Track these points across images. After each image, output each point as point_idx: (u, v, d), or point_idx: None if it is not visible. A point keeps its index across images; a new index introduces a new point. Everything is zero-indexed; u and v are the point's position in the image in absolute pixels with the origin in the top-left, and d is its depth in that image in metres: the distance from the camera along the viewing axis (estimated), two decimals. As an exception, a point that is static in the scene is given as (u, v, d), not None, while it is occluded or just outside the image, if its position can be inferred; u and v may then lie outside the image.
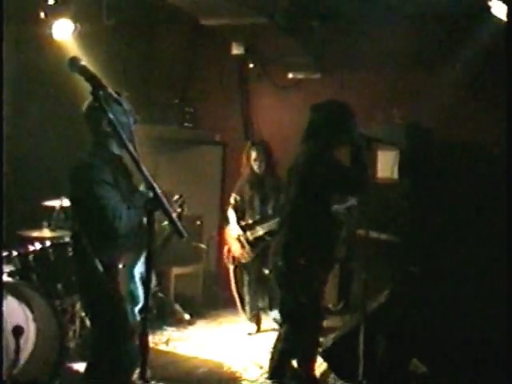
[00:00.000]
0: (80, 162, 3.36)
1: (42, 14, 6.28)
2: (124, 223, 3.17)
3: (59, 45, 6.31)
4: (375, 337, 4.34)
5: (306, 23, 6.39)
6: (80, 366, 4.46)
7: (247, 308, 6.05)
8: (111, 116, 2.57)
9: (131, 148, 2.47)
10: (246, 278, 5.99)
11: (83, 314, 4.76)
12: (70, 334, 4.71)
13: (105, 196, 3.18)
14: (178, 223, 2.42)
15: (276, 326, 5.75)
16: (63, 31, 6.30)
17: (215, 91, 7.43)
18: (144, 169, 2.41)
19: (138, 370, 3.45)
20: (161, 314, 5.92)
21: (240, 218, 5.93)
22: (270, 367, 4.49)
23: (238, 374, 4.84)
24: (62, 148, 5.84)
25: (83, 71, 2.54)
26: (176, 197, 3.76)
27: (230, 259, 5.99)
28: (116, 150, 3.33)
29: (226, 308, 6.29)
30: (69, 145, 5.85)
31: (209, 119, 7.42)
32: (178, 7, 6.11)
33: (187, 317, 6.10)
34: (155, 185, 2.41)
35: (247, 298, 6.04)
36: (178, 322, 5.99)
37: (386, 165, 6.23)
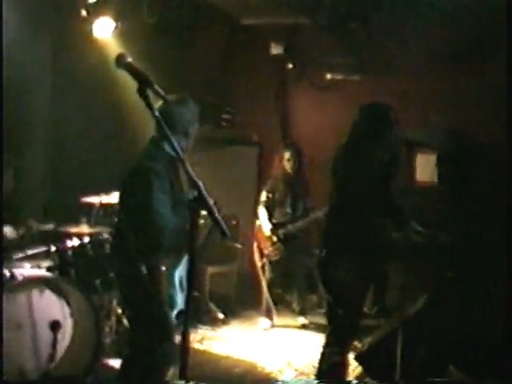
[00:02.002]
0: (140, 166, 3.36)
1: (84, 12, 6.35)
2: (170, 233, 3.19)
3: (100, 43, 6.37)
4: (412, 342, 4.27)
5: (347, 23, 6.34)
6: (115, 363, 4.50)
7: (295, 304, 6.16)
8: (157, 114, 2.55)
9: (177, 146, 2.46)
10: (272, 276, 6.04)
11: (120, 311, 4.79)
12: (106, 329, 4.73)
13: (158, 206, 3.21)
14: (222, 223, 2.39)
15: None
16: (104, 29, 6.35)
17: (253, 91, 7.41)
18: (189, 168, 2.39)
19: (171, 370, 3.52)
20: (195, 313, 5.93)
21: (270, 215, 6.04)
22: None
23: (272, 375, 4.82)
24: (102, 145, 5.90)
25: (130, 68, 2.53)
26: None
27: (259, 256, 6.05)
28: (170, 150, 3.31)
29: (261, 308, 6.25)
30: (108, 142, 5.92)
31: (246, 119, 7.41)
32: (218, 7, 6.13)
33: (221, 316, 6.11)
34: (200, 184, 2.39)
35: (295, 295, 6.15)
36: (213, 321, 5.99)
37: (425, 168, 6.17)
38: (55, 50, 6.22)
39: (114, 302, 4.76)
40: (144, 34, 6.50)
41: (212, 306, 6.14)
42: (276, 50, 6.80)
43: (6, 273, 4.12)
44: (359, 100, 4.48)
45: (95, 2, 6.26)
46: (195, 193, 2.42)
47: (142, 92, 2.51)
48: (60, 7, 5.80)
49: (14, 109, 5.66)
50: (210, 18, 7.18)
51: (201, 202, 2.38)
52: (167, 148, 3.30)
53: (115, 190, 4.77)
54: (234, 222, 6.46)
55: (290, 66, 7.08)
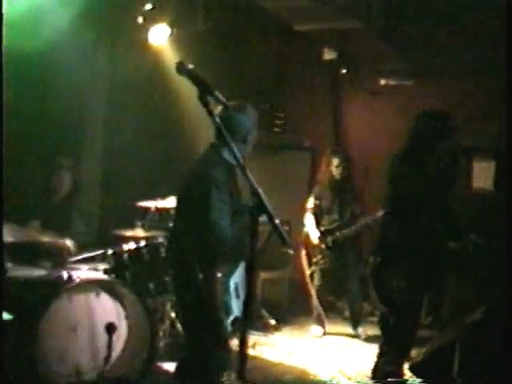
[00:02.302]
0: (199, 173, 3.37)
1: (140, 19, 6.45)
2: (229, 242, 3.21)
3: (155, 49, 6.46)
4: (470, 353, 4.17)
5: (401, 27, 6.27)
6: (169, 366, 4.53)
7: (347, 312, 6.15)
8: (217, 120, 2.56)
9: (237, 152, 2.47)
10: (322, 283, 5.99)
11: (173, 315, 4.82)
12: (160, 333, 4.77)
13: (217, 216, 3.22)
14: (282, 229, 2.38)
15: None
16: (159, 36, 6.44)
17: (306, 97, 7.40)
18: (249, 174, 2.40)
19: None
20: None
21: (318, 222, 5.99)
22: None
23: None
24: (157, 150, 5.97)
25: (191, 75, 2.55)
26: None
27: (307, 264, 6.02)
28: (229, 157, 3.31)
29: (312, 315, 6.21)
30: (164, 147, 5.98)
31: (298, 125, 7.39)
32: (272, 13, 6.14)
33: (273, 322, 6.10)
34: (260, 190, 2.39)
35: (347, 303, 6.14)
36: (264, 327, 5.98)
37: (482, 175, 6.04)
38: (113, 56, 6.32)
39: (168, 306, 4.81)
40: (198, 40, 6.56)
41: (264, 311, 6.13)
42: (329, 55, 6.78)
43: (64, 275, 4.21)
44: (413, 106, 4.43)
45: (151, 9, 6.36)
46: (255, 199, 2.43)
47: (202, 98, 2.52)
48: (118, 14, 5.89)
49: (73, 114, 5.81)
50: (264, 25, 7.20)
51: (261, 208, 2.38)
52: (226, 155, 3.31)
53: (171, 194, 4.84)
54: (287, 228, 6.44)
55: (343, 71, 7.05)
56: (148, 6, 6.34)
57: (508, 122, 3.48)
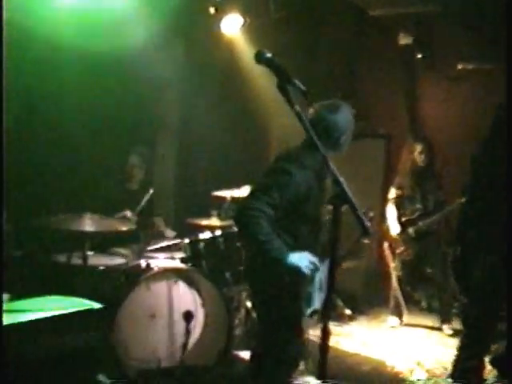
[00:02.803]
0: (293, 176, 3.17)
1: (212, 10, 6.47)
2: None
3: (228, 39, 6.47)
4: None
5: (479, 10, 6.04)
6: (245, 354, 4.56)
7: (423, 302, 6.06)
8: (298, 108, 2.51)
9: (318, 143, 2.42)
10: (401, 273, 5.87)
11: (249, 304, 4.84)
12: (236, 321, 4.80)
13: None
14: (365, 220, 2.34)
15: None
16: (232, 26, 6.44)
17: (380, 83, 7.24)
18: (331, 164, 2.36)
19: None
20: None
21: (400, 213, 5.82)
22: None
23: (402, 375, 4.68)
24: (232, 139, 5.99)
25: (271, 63, 2.52)
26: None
27: (391, 256, 5.88)
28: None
29: (388, 305, 6.11)
30: (239, 136, 6.00)
31: (372, 111, 7.25)
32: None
33: (348, 312, 6.04)
34: (342, 180, 2.35)
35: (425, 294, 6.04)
36: (340, 317, 5.93)
37: None
38: (188, 47, 6.37)
39: (243, 295, 4.82)
40: (271, 29, 6.52)
41: (339, 301, 6.07)
42: (404, 40, 6.61)
43: (142, 263, 4.30)
44: (490, 91, 4.23)
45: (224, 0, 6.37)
46: (336, 189, 2.39)
47: (282, 87, 2.49)
48: (190, 5, 5.93)
49: (149, 105, 5.90)
50: (337, 11, 7.10)
51: (343, 198, 2.34)
52: (313, 158, 3.18)
53: (246, 183, 4.85)
54: (371, 214, 6.28)
55: (419, 56, 6.85)
56: (220, -4, 6.37)
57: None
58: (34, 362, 1.81)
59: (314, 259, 3.10)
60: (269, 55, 2.56)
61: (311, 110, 3.28)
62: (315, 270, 3.11)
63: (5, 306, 1.98)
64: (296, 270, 3.05)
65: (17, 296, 2.10)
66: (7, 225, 4.30)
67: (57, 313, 1.86)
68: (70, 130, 5.04)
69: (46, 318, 1.81)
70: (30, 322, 1.79)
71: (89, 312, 1.98)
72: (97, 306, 2.01)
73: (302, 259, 3.06)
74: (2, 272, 2.34)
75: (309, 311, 3.28)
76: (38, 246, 4.64)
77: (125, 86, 5.52)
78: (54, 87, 4.85)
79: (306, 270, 3.06)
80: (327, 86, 7.45)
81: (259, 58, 2.56)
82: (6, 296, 2.06)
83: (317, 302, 3.30)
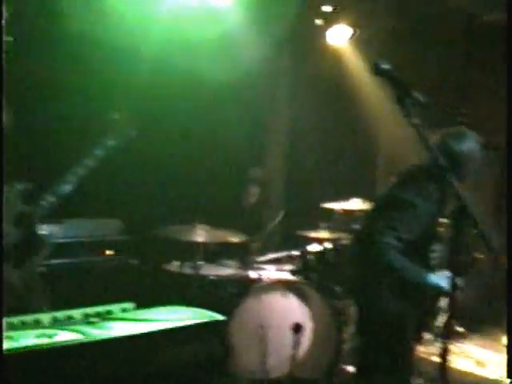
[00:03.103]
0: (418, 208, 3.19)
1: (320, 21, 6.48)
2: None
3: (335, 50, 6.46)
4: None
5: None
6: (353, 369, 4.49)
7: None
8: (416, 122, 2.45)
9: (441, 159, 2.36)
10: None
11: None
12: (345, 335, 4.74)
13: None
14: (488, 237, 2.24)
15: None
16: (340, 37, 6.42)
17: (493, 93, 6.96)
18: (454, 180, 2.29)
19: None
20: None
21: None
22: None
23: (520, 398, 4.45)
24: (341, 150, 5.95)
25: (389, 75, 2.47)
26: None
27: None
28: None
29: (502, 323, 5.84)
30: (346, 147, 5.95)
31: (486, 123, 6.97)
32: (459, 6, 5.87)
33: (461, 329, 5.81)
34: (464, 196, 2.27)
35: None
36: (451, 335, 5.71)
37: None
38: (294, 59, 6.41)
39: (353, 309, 4.75)
40: (378, 39, 6.44)
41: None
42: (520, 46, 6.32)
43: (253, 274, 4.34)
44: None
45: (332, 11, 6.36)
46: (458, 204, 2.31)
47: (401, 101, 2.44)
48: (298, 17, 5.96)
49: (257, 118, 5.98)
50: (447, 18, 6.89)
51: (465, 214, 2.27)
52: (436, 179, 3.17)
53: (354, 196, 4.81)
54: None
55: (536, 62, 6.52)
56: (328, 8, 6.36)
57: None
58: (157, 372, 1.86)
59: (450, 274, 3.05)
60: (386, 67, 2.51)
61: (435, 137, 3.21)
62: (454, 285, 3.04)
63: (131, 315, 2.05)
64: (438, 289, 3.14)
65: (141, 302, 2.17)
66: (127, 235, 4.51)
67: (181, 323, 1.91)
68: (184, 146, 5.21)
69: (171, 329, 1.87)
70: (158, 331, 1.85)
71: (208, 323, 2.02)
72: (220, 317, 2.04)
73: (440, 278, 3.13)
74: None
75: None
76: (152, 256, 4.79)
77: (234, 102, 5.62)
78: (162, 106, 5.02)
79: (447, 287, 3.04)
80: (437, 97, 7.24)
81: (376, 69, 2.52)
82: (131, 305, 2.14)
83: None
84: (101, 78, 4.79)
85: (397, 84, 2.47)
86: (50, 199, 2.88)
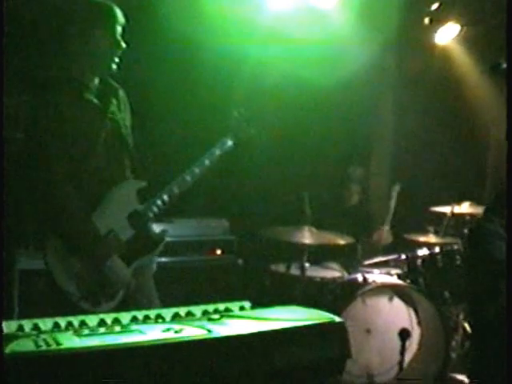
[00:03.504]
0: None
1: (427, 20, 6.34)
2: None
3: (442, 49, 6.30)
4: None
5: None
6: (462, 378, 4.37)
7: None
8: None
9: None
10: None
11: (467, 326, 4.63)
12: (453, 343, 4.61)
13: None
14: None
15: None
16: (447, 35, 6.26)
17: None
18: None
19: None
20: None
21: None
22: None
23: None
24: (450, 151, 5.80)
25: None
26: None
27: None
28: None
29: None
30: (456, 147, 5.78)
31: None
32: None
33: None
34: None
35: None
36: None
37: None
38: (400, 58, 6.32)
39: (461, 316, 4.62)
40: (486, 37, 6.23)
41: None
42: None
43: (359, 277, 4.30)
44: None
45: (437, 9, 6.21)
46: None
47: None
48: (404, 16, 5.86)
49: (364, 122, 5.94)
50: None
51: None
52: None
53: (466, 199, 4.67)
54: None
55: None
56: (434, 6, 6.22)
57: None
58: (275, 371, 1.88)
59: None
60: (504, 67, 2.44)
61: None
62: None
63: (249, 313, 2.09)
64: None
65: (258, 304, 2.19)
66: (232, 235, 4.59)
67: (301, 323, 1.92)
68: (289, 147, 5.25)
69: (290, 328, 1.88)
70: (275, 331, 1.87)
71: (326, 325, 2.02)
72: (337, 319, 2.04)
73: None
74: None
75: None
76: (259, 256, 4.86)
77: (338, 105, 5.60)
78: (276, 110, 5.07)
79: None
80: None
81: (496, 69, 2.45)
82: (248, 303, 2.17)
83: None
84: (208, 81, 4.90)
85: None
86: (164, 199, 2.94)
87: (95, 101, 2.79)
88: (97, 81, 2.84)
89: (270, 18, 5.14)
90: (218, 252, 4.51)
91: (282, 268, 4.57)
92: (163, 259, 4.30)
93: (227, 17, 4.83)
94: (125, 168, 2.90)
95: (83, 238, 2.69)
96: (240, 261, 4.54)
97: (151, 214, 2.90)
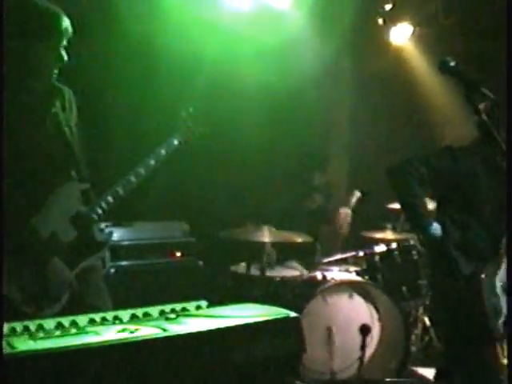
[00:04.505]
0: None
1: (381, 21, 6.45)
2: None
3: (396, 49, 6.41)
4: None
5: None
6: (423, 371, 4.45)
7: None
8: (484, 118, 2.45)
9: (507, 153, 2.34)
10: None
11: (426, 320, 4.71)
12: (413, 337, 4.69)
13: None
14: None
15: None
16: (401, 35, 6.38)
17: None
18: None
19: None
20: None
21: None
22: None
23: None
24: (407, 150, 5.88)
25: (456, 71, 2.47)
26: None
27: None
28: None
29: None
30: (413, 147, 5.86)
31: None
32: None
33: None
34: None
35: None
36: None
37: None
38: (355, 58, 6.40)
39: (421, 310, 4.71)
40: (440, 36, 6.36)
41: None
42: None
43: (318, 275, 4.35)
44: None
45: (391, 9, 6.33)
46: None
47: (469, 97, 2.43)
48: (358, 17, 5.94)
49: (319, 118, 6.00)
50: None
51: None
52: (489, 153, 3.16)
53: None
54: None
55: None
56: (388, 7, 6.33)
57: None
58: (233, 367, 1.90)
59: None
60: (453, 64, 2.51)
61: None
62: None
63: (205, 312, 2.10)
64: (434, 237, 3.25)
65: (214, 303, 2.21)
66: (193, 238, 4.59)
67: (256, 319, 1.94)
68: (247, 148, 5.27)
69: (246, 325, 1.90)
70: (231, 327, 1.89)
71: (282, 320, 2.04)
72: (293, 314, 2.06)
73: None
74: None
75: (501, 321, 3.15)
76: (219, 257, 4.86)
77: (295, 105, 5.64)
78: (232, 111, 5.09)
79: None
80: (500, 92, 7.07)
81: (443, 67, 2.52)
82: (204, 303, 2.18)
83: (505, 308, 3.16)
84: (161, 81, 4.88)
85: (465, 80, 2.46)
86: (108, 200, 2.90)
87: (34, 102, 2.75)
88: (38, 84, 2.80)
89: (228, 17, 5.16)
90: (178, 254, 4.50)
91: (242, 269, 4.58)
92: (124, 262, 4.30)
93: (184, 16, 4.83)
94: (69, 169, 2.85)
95: (23, 240, 2.63)
96: (200, 263, 4.53)
97: (95, 216, 2.85)
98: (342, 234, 5.19)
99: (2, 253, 2.43)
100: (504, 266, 3.19)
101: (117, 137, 4.81)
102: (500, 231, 3.31)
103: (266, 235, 4.28)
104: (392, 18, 6.37)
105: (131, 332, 1.80)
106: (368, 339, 4.16)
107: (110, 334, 1.81)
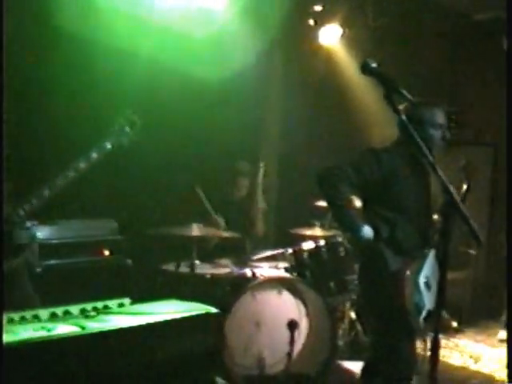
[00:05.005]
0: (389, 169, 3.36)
1: (311, 21, 6.54)
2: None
3: (326, 50, 6.52)
4: None
5: None
6: (349, 365, 4.55)
7: None
8: (403, 118, 2.53)
9: (426, 150, 2.42)
10: None
11: (353, 314, 4.82)
12: (340, 331, 4.79)
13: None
14: (476, 229, 2.30)
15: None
16: (331, 37, 6.50)
17: (484, 89, 7.03)
18: (441, 173, 2.34)
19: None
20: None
21: None
22: None
23: (513, 391, 4.50)
24: (334, 148, 6.00)
25: (377, 73, 2.53)
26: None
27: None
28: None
29: (496, 318, 5.89)
30: (340, 145, 6.00)
31: (478, 118, 7.05)
32: (448, 5, 5.92)
33: (455, 324, 5.87)
34: (451, 189, 2.33)
35: None
36: (445, 329, 5.77)
37: None
38: (286, 59, 6.47)
39: (348, 305, 4.81)
40: (369, 38, 6.50)
41: (445, 313, 5.91)
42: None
43: (248, 272, 4.38)
44: None
45: (321, 11, 6.43)
46: (446, 197, 2.37)
47: (388, 97, 2.50)
48: (289, 17, 6.01)
49: (250, 117, 6.03)
50: (438, 16, 6.95)
51: (453, 207, 2.32)
52: (411, 152, 3.26)
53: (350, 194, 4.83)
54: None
55: (525, 61, 6.58)
56: (318, 8, 6.42)
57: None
58: (154, 363, 1.91)
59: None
60: (374, 65, 2.57)
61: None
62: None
63: (127, 309, 2.10)
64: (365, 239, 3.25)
65: (137, 300, 2.21)
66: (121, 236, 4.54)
67: (177, 316, 1.96)
68: (176, 145, 5.25)
69: (167, 321, 1.91)
70: (152, 324, 1.89)
71: (203, 316, 2.07)
72: (214, 310, 2.09)
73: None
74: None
75: (422, 317, 3.26)
76: (148, 255, 4.84)
77: (226, 102, 5.66)
78: (157, 107, 5.06)
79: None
80: (429, 94, 7.30)
81: (365, 68, 2.57)
82: (127, 300, 2.18)
83: (428, 304, 3.27)
84: (96, 79, 4.81)
85: (384, 81, 2.53)
86: (32, 201, 2.84)
87: None
88: None
89: (160, 14, 5.13)
90: (106, 253, 4.46)
91: (171, 267, 4.57)
92: (51, 261, 4.22)
93: (117, 12, 4.77)
94: None
95: None
96: (129, 261, 4.50)
97: (17, 218, 2.80)
98: (239, 197, 5.24)
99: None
100: (428, 263, 3.30)
101: (51, 138, 4.70)
102: (427, 228, 3.42)
103: (195, 230, 4.29)
104: (322, 20, 6.46)
105: (48, 330, 1.79)
106: (296, 334, 4.22)
107: (28, 333, 1.80)
